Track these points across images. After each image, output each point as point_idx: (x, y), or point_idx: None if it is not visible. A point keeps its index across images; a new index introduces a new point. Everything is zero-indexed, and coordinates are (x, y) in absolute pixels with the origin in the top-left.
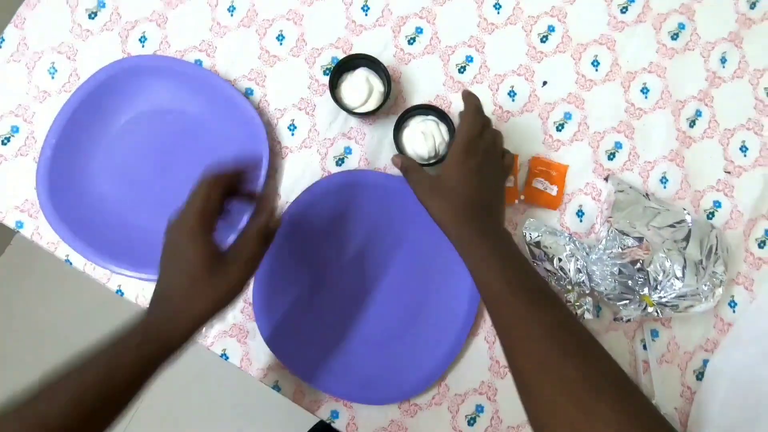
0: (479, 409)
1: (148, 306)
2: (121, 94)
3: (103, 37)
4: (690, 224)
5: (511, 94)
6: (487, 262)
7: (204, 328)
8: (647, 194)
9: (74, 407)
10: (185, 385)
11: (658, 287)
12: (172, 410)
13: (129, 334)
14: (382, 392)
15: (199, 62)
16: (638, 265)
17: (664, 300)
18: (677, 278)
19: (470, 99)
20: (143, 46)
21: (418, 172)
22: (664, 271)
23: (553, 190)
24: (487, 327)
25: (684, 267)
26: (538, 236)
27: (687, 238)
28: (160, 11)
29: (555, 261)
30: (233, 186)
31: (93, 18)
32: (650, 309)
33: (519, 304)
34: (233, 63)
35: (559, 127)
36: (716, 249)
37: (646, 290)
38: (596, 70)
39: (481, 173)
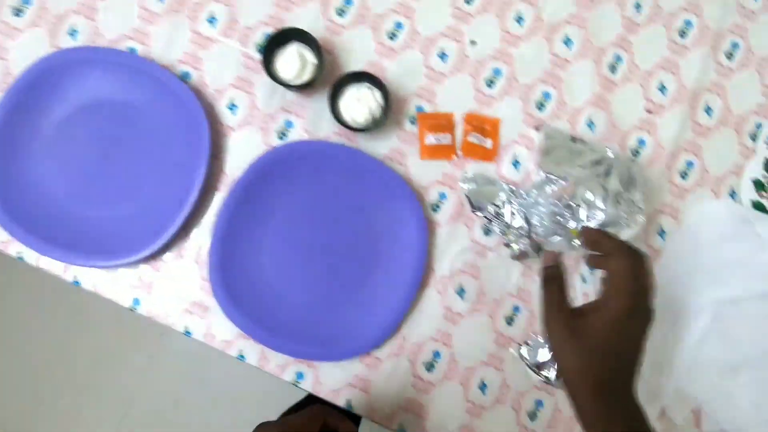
0: (436, 355)
1: None
2: (56, 88)
3: (31, 33)
4: (611, 159)
5: (442, 56)
6: None
7: None
8: (574, 138)
9: None
10: (155, 367)
11: (583, 219)
12: (147, 394)
13: None
14: (343, 349)
15: (132, 50)
16: (565, 201)
17: None
18: (599, 209)
19: (607, 237)
20: (75, 39)
21: (560, 291)
22: (587, 204)
23: (488, 143)
24: (437, 278)
25: (605, 198)
26: (476, 186)
27: (608, 172)
28: (88, 3)
29: (492, 208)
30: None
31: (20, 15)
32: (576, 241)
33: None
34: (167, 49)
35: (490, 84)
36: (635, 180)
37: (573, 224)
38: (521, 26)
39: (636, 333)
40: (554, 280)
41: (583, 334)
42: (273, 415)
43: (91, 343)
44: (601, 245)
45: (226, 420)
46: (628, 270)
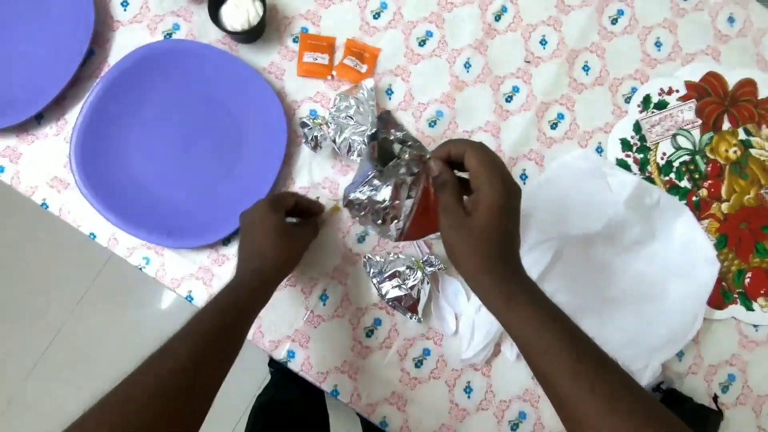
0: None
1: (237, 270)
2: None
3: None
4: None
5: None
6: (537, 325)
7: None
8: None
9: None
10: (84, 308)
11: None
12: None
13: (238, 281)
14: (190, 240)
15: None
16: None
17: None
18: None
19: (452, 143)
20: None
21: (455, 198)
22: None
23: (363, 69)
24: (296, 188)
25: None
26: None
27: None
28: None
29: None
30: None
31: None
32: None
33: (598, 386)
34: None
35: (376, 16)
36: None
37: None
38: None
39: (514, 207)
40: (445, 186)
41: (474, 228)
42: None
43: (26, 272)
44: (452, 151)
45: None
46: (486, 158)
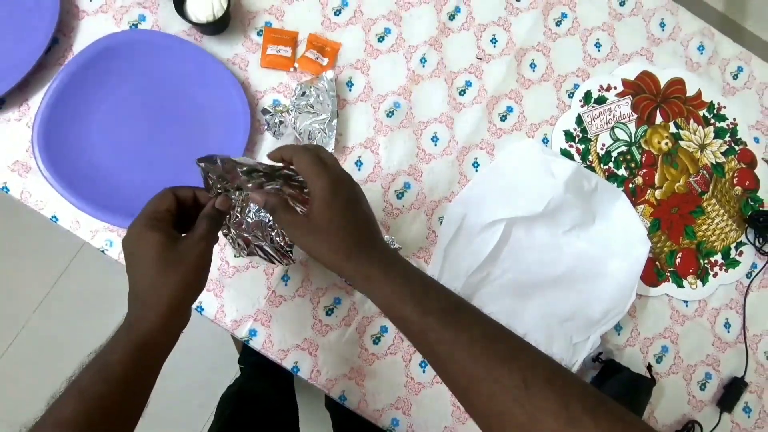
0: None
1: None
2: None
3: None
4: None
5: None
6: (394, 293)
7: (188, 313)
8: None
9: (78, 416)
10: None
11: None
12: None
13: (115, 336)
14: None
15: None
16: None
17: None
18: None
19: (281, 149)
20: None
21: (288, 213)
22: None
23: (324, 62)
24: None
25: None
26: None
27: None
28: None
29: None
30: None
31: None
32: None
33: (444, 329)
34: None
35: (337, 12)
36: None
37: None
38: None
39: (349, 197)
40: (280, 206)
41: (317, 226)
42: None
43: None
44: (284, 155)
45: None
46: (310, 158)
